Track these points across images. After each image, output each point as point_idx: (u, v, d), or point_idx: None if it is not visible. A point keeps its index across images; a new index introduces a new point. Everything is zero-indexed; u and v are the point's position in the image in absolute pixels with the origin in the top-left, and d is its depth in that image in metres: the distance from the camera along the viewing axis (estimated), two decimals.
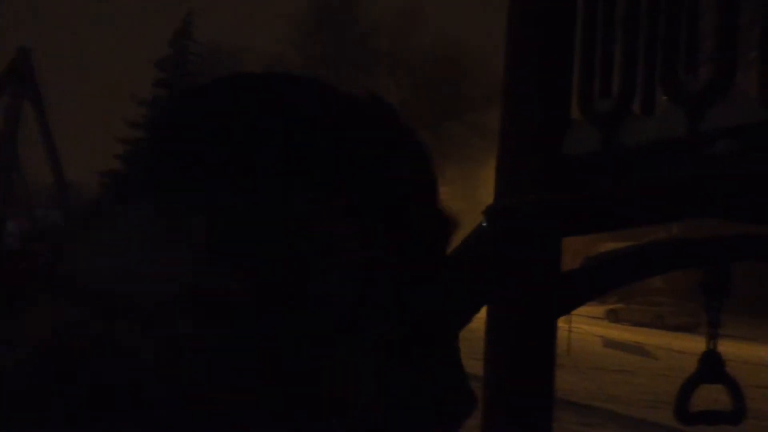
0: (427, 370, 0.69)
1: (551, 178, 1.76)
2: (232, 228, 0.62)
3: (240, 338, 0.59)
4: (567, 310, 1.95)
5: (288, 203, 0.66)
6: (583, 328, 21.53)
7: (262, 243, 0.63)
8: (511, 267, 1.70)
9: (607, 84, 1.76)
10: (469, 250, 1.23)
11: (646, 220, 1.54)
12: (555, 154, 1.77)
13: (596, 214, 1.41)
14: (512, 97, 1.83)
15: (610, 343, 20.14)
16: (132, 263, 0.57)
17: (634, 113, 1.69)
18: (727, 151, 1.30)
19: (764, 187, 1.19)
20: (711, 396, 2.22)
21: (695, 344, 2.18)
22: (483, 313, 2.02)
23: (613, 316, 29.79)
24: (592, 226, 1.54)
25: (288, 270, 0.63)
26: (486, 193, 1.88)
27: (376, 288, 0.67)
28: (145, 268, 0.57)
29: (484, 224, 1.33)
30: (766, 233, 2.01)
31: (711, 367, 2.07)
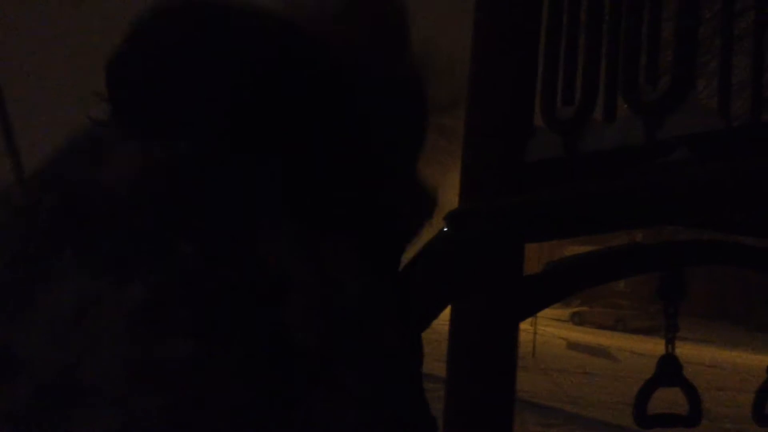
0: (392, 396, 0.70)
1: (514, 183, 1.78)
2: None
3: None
4: (529, 313, 1.98)
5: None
6: (548, 330, 21.76)
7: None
8: (473, 271, 1.72)
9: (570, 92, 1.79)
10: (431, 255, 1.24)
11: (605, 227, 1.57)
12: (518, 160, 1.80)
13: (556, 220, 1.43)
14: (477, 103, 1.85)
15: (573, 346, 20.40)
16: None
17: (596, 121, 1.72)
18: (683, 159, 1.34)
19: (717, 196, 1.23)
20: (670, 398, 2.27)
21: (656, 347, 2.23)
22: (447, 315, 2.04)
23: (578, 319, 30.18)
24: (552, 232, 1.57)
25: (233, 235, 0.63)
26: (454, 195, 1.90)
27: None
28: None
29: (446, 229, 1.35)
30: (721, 239, 2.06)
31: (668, 371, 2.12)
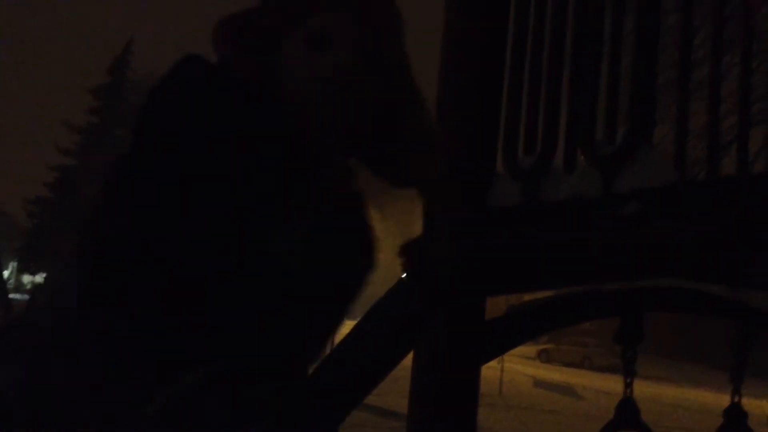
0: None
1: (476, 226, 1.82)
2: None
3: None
4: (491, 356, 2.00)
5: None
6: (515, 367, 21.76)
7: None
8: (434, 319, 1.75)
9: (532, 142, 1.84)
10: (391, 305, 1.26)
11: (559, 284, 1.60)
12: (480, 204, 1.84)
13: (516, 279, 1.47)
14: (441, 146, 1.89)
15: (540, 383, 20.41)
16: None
17: (556, 170, 1.77)
18: (635, 212, 1.38)
19: (667, 251, 1.26)
20: None
21: (621, 385, 2.27)
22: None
23: (545, 356, 30.24)
24: (512, 288, 1.60)
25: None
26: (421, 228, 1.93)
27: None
28: None
29: (403, 277, 1.38)
30: (680, 286, 2.11)
31: (627, 415, 2.14)
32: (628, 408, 2.14)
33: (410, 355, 1.98)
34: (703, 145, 2.35)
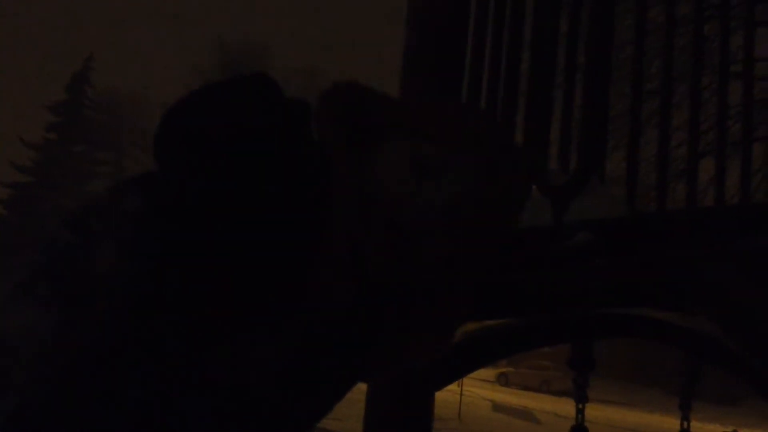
0: None
1: None
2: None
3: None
4: (445, 383, 2.01)
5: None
6: (475, 391, 21.80)
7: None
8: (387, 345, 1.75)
9: None
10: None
11: (510, 314, 1.62)
12: None
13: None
14: None
15: (498, 408, 20.47)
16: None
17: None
18: (584, 243, 1.41)
19: (621, 281, 1.29)
20: None
21: None
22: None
23: (504, 380, 30.33)
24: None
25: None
26: None
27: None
28: None
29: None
30: (631, 313, 2.14)
31: None
32: None
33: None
34: (655, 174, 2.40)
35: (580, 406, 2.16)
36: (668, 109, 2.21)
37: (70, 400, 0.64)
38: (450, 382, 2.01)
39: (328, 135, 0.82)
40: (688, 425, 2.41)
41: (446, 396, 16.98)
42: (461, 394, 17.52)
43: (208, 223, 0.70)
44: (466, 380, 18.00)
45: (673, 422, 2.56)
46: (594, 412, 2.16)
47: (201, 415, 0.69)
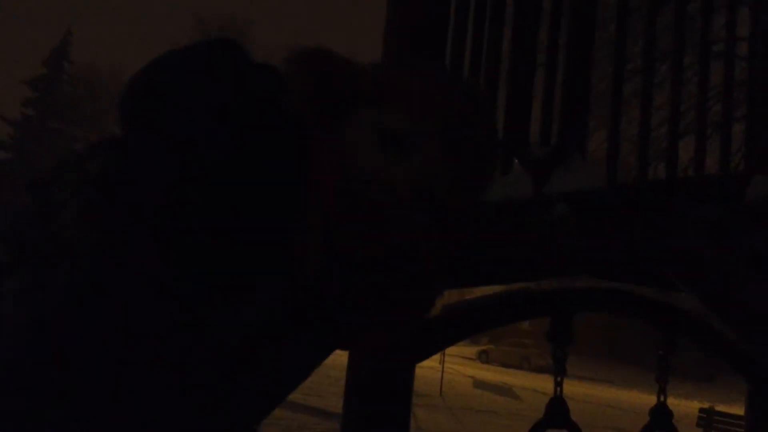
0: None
1: None
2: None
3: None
4: (425, 356, 2.03)
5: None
6: (456, 368, 21.99)
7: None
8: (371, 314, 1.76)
9: None
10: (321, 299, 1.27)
11: (490, 280, 1.64)
12: None
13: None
14: None
15: (479, 384, 20.67)
16: None
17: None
18: (564, 214, 1.43)
19: (595, 249, 1.31)
20: None
21: None
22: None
23: (484, 357, 30.63)
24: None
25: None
26: None
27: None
28: None
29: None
30: (605, 287, 2.17)
31: (556, 413, 2.20)
32: (557, 406, 2.20)
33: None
34: (636, 153, 2.42)
35: (559, 379, 2.19)
36: (650, 88, 2.22)
37: (32, 364, 0.64)
38: (429, 355, 2.03)
39: (297, 102, 0.80)
40: (665, 399, 2.45)
41: (428, 373, 17.12)
42: (443, 371, 17.67)
43: (172, 188, 0.69)
44: (447, 357, 18.15)
45: (651, 399, 2.60)
46: (572, 388, 2.19)
47: (169, 383, 0.68)
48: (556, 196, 1.46)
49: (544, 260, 1.38)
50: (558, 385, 2.20)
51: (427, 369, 17.81)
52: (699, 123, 2.41)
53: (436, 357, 18.19)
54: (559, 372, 2.19)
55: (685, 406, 14.39)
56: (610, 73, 2.73)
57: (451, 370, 19.54)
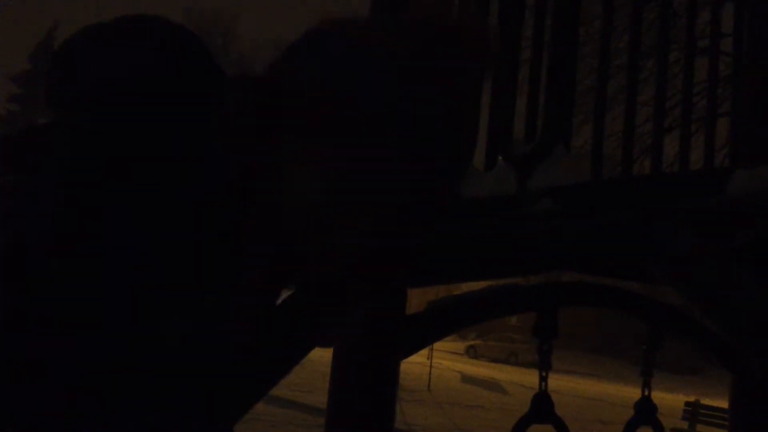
0: None
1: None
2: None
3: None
4: (410, 352, 2.02)
5: None
6: (444, 363, 22.05)
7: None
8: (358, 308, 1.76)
9: None
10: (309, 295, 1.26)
11: (475, 275, 1.64)
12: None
13: (436, 268, 1.49)
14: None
15: (467, 379, 20.74)
16: None
17: (477, 169, 1.80)
18: (548, 209, 1.43)
19: (579, 244, 1.32)
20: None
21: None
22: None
23: (472, 352, 30.75)
24: (431, 280, 1.62)
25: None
26: None
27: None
28: None
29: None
30: (590, 282, 2.18)
31: (541, 408, 2.21)
32: (542, 401, 2.21)
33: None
34: (621, 150, 2.44)
35: (544, 373, 2.20)
36: (635, 84, 2.23)
37: None
38: (415, 351, 2.03)
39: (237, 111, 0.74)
40: (650, 393, 2.46)
41: (416, 369, 17.15)
42: (431, 367, 17.71)
43: (103, 171, 0.67)
44: (435, 353, 18.20)
45: (637, 392, 2.62)
46: (559, 382, 2.19)
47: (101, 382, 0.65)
48: (540, 192, 1.47)
49: (528, 255, 1.39)
50: (543, 380, 2.21)
51: (416, 365, 17.85)
52: (684, 119, 2.42)
53: (424, 353, 18.22)
54: (544, 366, 2.20)
55: (671, 399, 14.49)
56: (596, 69, 2.74)
57: (439, 365, 19.59)
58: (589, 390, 19.98)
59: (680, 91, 2.47)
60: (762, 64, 2.34)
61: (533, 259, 1.39)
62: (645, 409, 2.47)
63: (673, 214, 1.23)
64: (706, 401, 13.82)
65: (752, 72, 2.37)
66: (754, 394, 2.49)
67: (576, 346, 28.47)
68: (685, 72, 2.38)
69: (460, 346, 31.11)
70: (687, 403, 13.14)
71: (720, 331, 1.50)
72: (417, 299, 2.32)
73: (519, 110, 1.93)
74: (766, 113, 2.30)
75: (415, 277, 1.56)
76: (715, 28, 2.49)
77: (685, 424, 12.58)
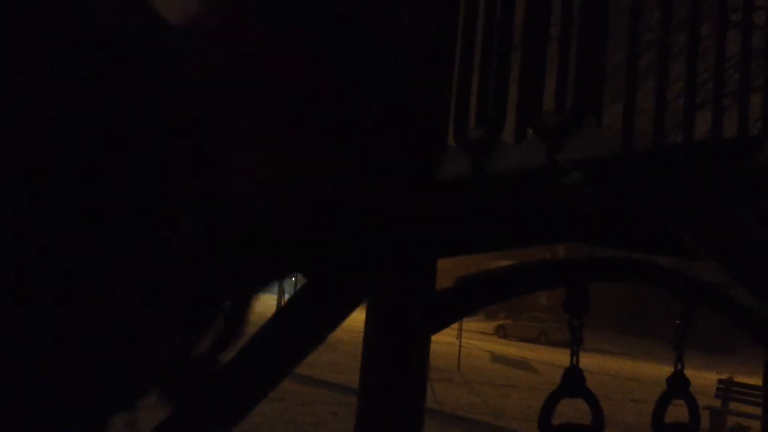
0: None
1: (427, 198, 1.84)
2: None
3: None
4: (440, 327, 2.03)
5: None
6: (474, 343, 22.08)
7: None
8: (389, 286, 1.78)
9: (483, 113, 1.87)
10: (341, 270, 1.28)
11: (510, 245, 1.64)
12: (431, 176, 1.86)
13: (465, 238, 1.50)
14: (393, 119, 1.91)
15: (497, 358, 20.76)
16: None
17: (505, 142, 1.80)
18: (576, 181, 1.42)
19: (609, 217, 1.31)
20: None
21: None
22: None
23: (502, 332, 30.73)
24: (462, 249, 1.63)
25: None
26: None
27: None
28: None
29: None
30: (620, 257, 2.17)
31: (572, 382, 2.21)
32: (573, 375, 2.20)
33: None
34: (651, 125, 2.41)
35: (575, 347, 2.20)
36: (666, 59, 2.20)
37: None
38: (445, 326, 2.03)
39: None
40: (683, 367, 2.45)
41: (446, 348, 17.19)
42: (460, 346, 17.74)
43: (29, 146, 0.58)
44: (465, 333, 18.22)
45: (669, 371, 2.60)
46: (589, 360, 2.19)
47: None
48: (570, 164, 1.46)
49: (558, 226, 1.38)
50: (574, 354, 2.20)
51: (445, 345, 17.89)
52: (716, 93, 2.38)
53: (453, 333, 18.24)
54: (575, 341, 2.19)
55: (703, 377, 14.37)
56: (624, 45, 2.70)
57: (468, 345, 19.61)
58: (619, 368, 19.88)
59: (711, 66, 2.42)
60: None
61: (563, 229, 1.39)
62: (677, 384, 2.46)
63: (704, 180, 1.22)
64: (739, 379, 13.67)
65: None
66: None
67: (604, 325, 28.30)
68: (717, 46, 2.34)
69: (490, 326, 31.10)
70: (720, 381, 13.01)
71: (754, 298, 1.48)
72: (446, 277, 2.33)
73: (549, 86, 1.91)
74: None
75: (445, 247, 1.57)
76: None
77: (718, 402, 12.47)
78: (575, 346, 2.20)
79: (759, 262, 1.08)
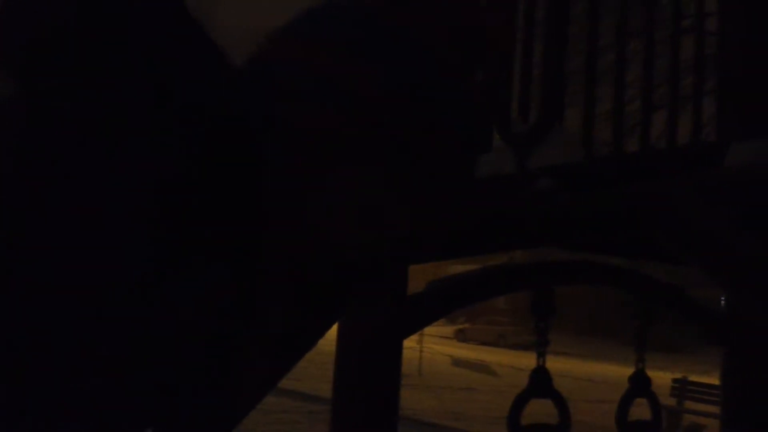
0: None
1: None
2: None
3: None
4: (412, 330, 2.07)
5: None
6: (434, 347, 22.14)
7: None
8: (358, 292, 1.80)
9: None
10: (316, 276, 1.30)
11: (478, 251, 1.68)
12: None
13: (436, 244, 1.52)
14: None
15: (457, 362, 20.85)
16: None
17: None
18: (546, 187, 1.47)
19: (578, 221, 1.35)
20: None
21: (533, 361, 2.38)
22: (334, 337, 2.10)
23: (462, 336, 30.86)
24: (432, 255, 1.66)
25: None
26: None
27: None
28: None
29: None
30: (588, 260, 2.23)
31: (540, 383, 2.26)
32: (541, 376, 2.25)
33: (325, 340, 2.02)
34: (610, 128, 2.48)
35: (542, 349, 2.25)
36: (622, 64, 2.27)
37: None
38: (417, 329, 2.07)
39: None
40: (644, 366, 2.52)
41: (406, 353, 17.17)
42: (421, 351, 17.80)
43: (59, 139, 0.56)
44: (425, 337, 18.25)
45: (627, 371, 2.68)
46: (550, 363, 2.24)
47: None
48: (539, 170, 1.50)
49: (529, 231, 1.42)
50: (541, 356, 2.25)
51: (406, 349, 17.78)
52: (671, 97, 2.46)
53: (415, 337, 18.25)
54: (541, 343, 2.25)
55: (658, 377, 14.64)
56: (580, 50, 2.78)
57: (429, 349, 19.68)
58: (578, 370, 20.13)
59: (665, 70, 2.51)
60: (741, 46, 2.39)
61: (535, 234, 1.43)
62: (639, 382, 2.53)
63: (675, 185, 1.27)
64: (693, 378, 13.96)
65: (736, 52, 2.42)
66: (747, 368, 2.55)
67: (562, 327, 28.66)
68: (671, 51, 2.43)
69: (449, 330, 31.25)
70: (675, 380, 13.27)
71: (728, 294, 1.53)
72: (415, 281, 2.36)
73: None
74: (753, 91, 2.34)
75: (416, 255, 1.59)
76: (699, 7, 2.54)
77: (673, 401, 12.72)
78: (542, 347, 2.25)
79: (735, 258, 1.14)
